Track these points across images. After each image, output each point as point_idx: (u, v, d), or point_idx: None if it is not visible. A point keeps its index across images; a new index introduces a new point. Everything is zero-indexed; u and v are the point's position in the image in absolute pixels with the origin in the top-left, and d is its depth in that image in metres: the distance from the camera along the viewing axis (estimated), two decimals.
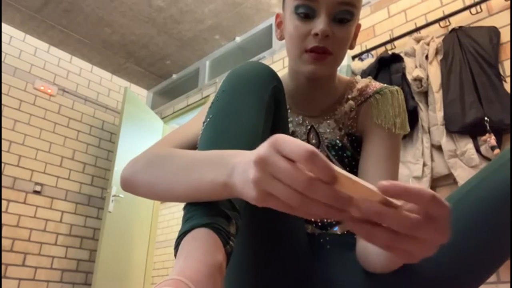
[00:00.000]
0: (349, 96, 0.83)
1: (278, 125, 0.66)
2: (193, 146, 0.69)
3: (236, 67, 0.67)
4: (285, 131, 0.71)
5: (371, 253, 0.59)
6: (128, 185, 0.63)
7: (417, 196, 0.34)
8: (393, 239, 0.35)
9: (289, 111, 0.83)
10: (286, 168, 0.36)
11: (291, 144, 0.36)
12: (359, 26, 0.80)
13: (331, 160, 0.79)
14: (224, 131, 0.58)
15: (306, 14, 0.72)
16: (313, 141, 0.81)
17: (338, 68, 0.85)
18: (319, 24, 0.70)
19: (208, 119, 0.61)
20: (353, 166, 0.79)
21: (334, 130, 0.81)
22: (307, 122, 0.82)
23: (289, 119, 0.82)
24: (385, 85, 0.83)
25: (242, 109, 0.60)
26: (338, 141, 0.80)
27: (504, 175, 0.56)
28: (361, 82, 0.84)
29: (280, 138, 0.38)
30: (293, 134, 0.81)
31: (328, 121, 0.82)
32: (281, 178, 0.36)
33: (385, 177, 0.70)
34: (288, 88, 0.82)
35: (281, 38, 0.82)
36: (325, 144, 0.81)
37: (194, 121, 0.77)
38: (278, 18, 0.83)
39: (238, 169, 0.44)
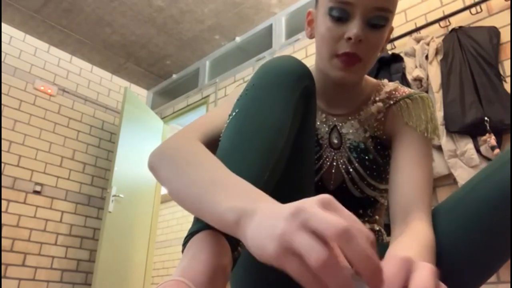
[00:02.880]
0: (377, 98, 0.81)
1: (305, 126, 0.65)
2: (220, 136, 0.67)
3: (270, 60, 0.65)
4: (311, 133, 0.69)
5: None
6: (152, 170, 0.61)
7: None
8: None
9: None
10: (308, 242, 0.32)
11: (322, 216, 0.33)
12: (391, 29, 0.79)
13: (351, 162, 0.78)
14: (248, 128, 0.57)
15: (340, 17, 0.70)
16: (335, 141, 0.80)
17: None
18: (353, 28, 0.68)
19: (234, 113, 0.60)
20: (373, 170, 0.77)
21: (357, 131, 0.80)
22: (330, 121, 0.81)
23: None
24: (414, 90, 0.82)
25: (269, 107, 0.58)
26: (361, 143, 0.79)
27: (504, 175, 0.56)
28: (389, 86, 0.83)
29: (308, 211, 0.34)
30: (315, 131, 0.79)
31: (352, 122, 0.80)
32: (301, 253, 0.32)
33: (417, 178, 0.68)
34: None
35: (311, 36, 0.81)
36: (347, 145, 0.79)
37: (223, 109, 0.73)
38: (309, 16, 0.81)
39: (259, 219, 0.38)
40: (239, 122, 0.58)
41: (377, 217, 0.82)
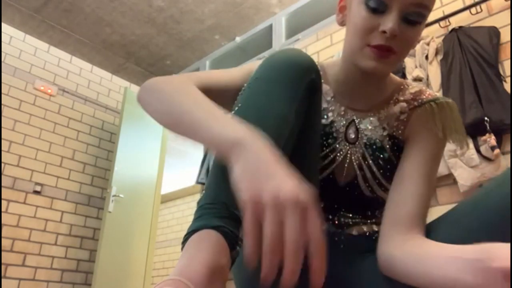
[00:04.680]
0: (401, 98, 0.79)
1: (309, 120, 0.64)
2: (222, 93, 0.68)
3: (274, 53, 0.63)
4: (317, 127, 0.68)
5: (397, 264, 0.60)
6: (142, 100, 0.63)
7: None
8: None
9: (332, 99, 0.80)
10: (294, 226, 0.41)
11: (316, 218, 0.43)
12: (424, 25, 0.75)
13: (365, 159, 0.77)
14: (251, 122, 0.55)
15: (376, 8, 0.67)
16: (352, 135, 0.77)
17: None
18: (389, 22, 0.65)
19: (237, 108, 0.59)
20: (387, 170, 0.76)
21: (376, 128, 0.78)
22: (349, 114, 0.79)
23: (331, 108, 0.79)
24: (440, 95, 0.80)
25: (273, 101, 0.57)
26: (378, 141, 0.77)
27: (504, 192, 0.55)
28: (415, 87, 0.81)
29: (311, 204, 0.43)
30: (331, 124, 0.78)
31: (371, 118, 0.78)
32: (285, 228, 0.41)
33: (424, 193, 0.69)
34: (337, 77, 0.79)
35: (341, 23, 0.77)
36: (363, 140, 0.77)
37: (229, 71, 0.74)
38: (342, 1, 0.77)
39: (244, 160, 0.46)
40: (242, 115, 0.57)
41: None
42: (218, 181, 0.54)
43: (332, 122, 0.78)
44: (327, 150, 0.76)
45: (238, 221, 0.50)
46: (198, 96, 0.58)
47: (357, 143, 0.77)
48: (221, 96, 0.68)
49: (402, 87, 0.82)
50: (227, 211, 0.50)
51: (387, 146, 0.77)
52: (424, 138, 0.75)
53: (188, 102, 0.56)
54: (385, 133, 0.78)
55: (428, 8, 0.68)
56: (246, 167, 0.45)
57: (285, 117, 0.57)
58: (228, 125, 0.50)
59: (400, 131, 0.78)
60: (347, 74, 0.77)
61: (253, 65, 0.73)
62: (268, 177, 0.43)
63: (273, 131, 0.55)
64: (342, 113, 0.79)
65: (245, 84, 0.62)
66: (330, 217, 0.76)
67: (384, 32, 0.66)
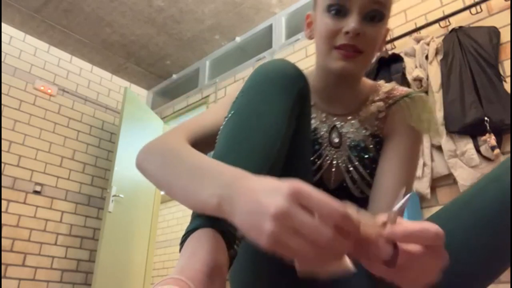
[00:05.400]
0: (376, 98, 0.83)
1: (300, 127, 0.65)
2: (211, 137, 0.68)
3: (264, 63, 0.66)
4: (307, 134, 0.70)
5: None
6: (140, 170, 0.65)
7: (422, 237, 0.40)
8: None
9: (313, 106, 0.82)
10: (311, 225, 0.36)
11: (319, 199, 0.37)
12: (387, 30, 0.81)
13: (351, 161, 0.79)
14: (245, 130, 0.57)
15: (338, 11, 0.72)
16: (335, 140, 0.81)
17: None
18: (351, 23, 0.71)
19: (230, 115, 0.60)
20: (373, 169, 0.78)
21: (358, 130, 0.81)
22: (330, 120, 0.82)
23: (312, 115, 0.81)
24: (412, 90, 0.84)
25: (266, 109, 0.59)
26: (361, 142, 0.80)
27: (504, 183, 0.56)
28: (387, 86, 0.85)
29: (302, 190, 0.37)
30: (315, 130, 0.81)
31: (352, 121, 0.82)
32: (305, 234, 0.36)
33: (403, 179, 0.73)
34: (314, 85, 0.82)
35: (310, 37, 0.83)
36: (347, 143, 0.80)
37: (214, 111, 0.75)
38: (309, 18, 0.84)
39: (242, 205, 0.41)
40: (235, 124, 0.59)
41: None
42: None
43: (315, 129, 0.81)
44: (314, 157, 0.79)
45: None
46: (184, 160, 0.55)
47: (341, 147, 0.81)
48: (211, 140, 0.69)
49: (375, 88, 0.85)
50: None
51: (371, 146, 0.80)
52: (400, 134, 0.78)
53: (175, 174, 0.54)
54: (367, 133, 0.81)
55: (385, 6, 0.73)
56: (242, 217, 0.41)
57: (278, 125, 0.58)
58: (208, 188, 0.47)
59: (380, 130, 0.81)
60: (323, 81, 0.81)
61: (228, 99, 0.74)
62: (258, 213, 0.39)
63: (266, 139, 0.56)
64: (324, 119, 0.82)
65: (238, 92, 0.64)
66: None
67: (347, 32, 0.71)
